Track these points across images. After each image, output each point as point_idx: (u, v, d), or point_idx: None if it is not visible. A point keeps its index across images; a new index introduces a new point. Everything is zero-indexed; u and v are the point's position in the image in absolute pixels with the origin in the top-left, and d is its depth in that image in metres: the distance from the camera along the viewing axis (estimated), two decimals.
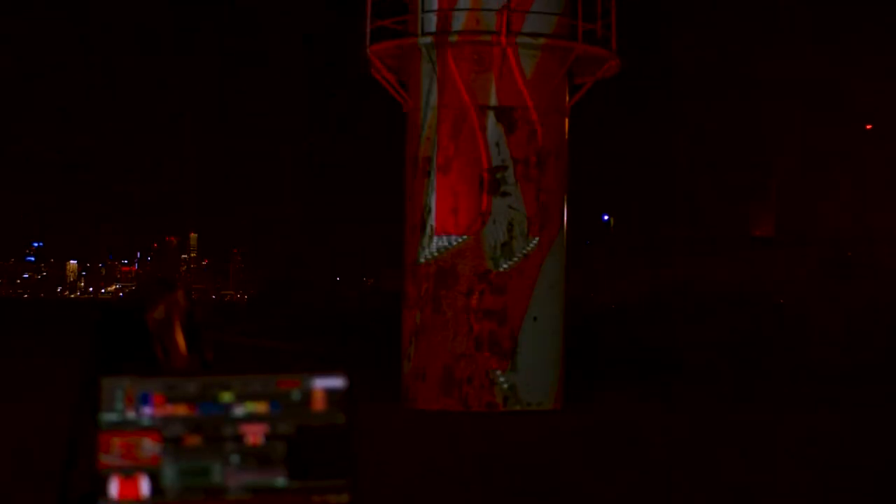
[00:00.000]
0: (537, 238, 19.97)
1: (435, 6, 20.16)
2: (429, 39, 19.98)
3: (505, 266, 19.74)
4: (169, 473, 3.02)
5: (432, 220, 20.00)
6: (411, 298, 20.30)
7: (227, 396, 3.05)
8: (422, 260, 20.09)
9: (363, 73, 21.14)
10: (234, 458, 3.05)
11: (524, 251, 19.85)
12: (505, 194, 19.80)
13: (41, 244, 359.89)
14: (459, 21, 19.99)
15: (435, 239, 19.93)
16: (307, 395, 3.09)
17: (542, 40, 19.95)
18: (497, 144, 19.83)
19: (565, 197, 20.67)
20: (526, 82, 19.92)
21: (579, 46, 20.14)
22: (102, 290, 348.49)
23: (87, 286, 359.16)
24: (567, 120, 20.79)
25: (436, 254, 19.91)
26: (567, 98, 20.80)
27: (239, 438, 3.06)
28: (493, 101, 19.83)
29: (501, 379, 19.65)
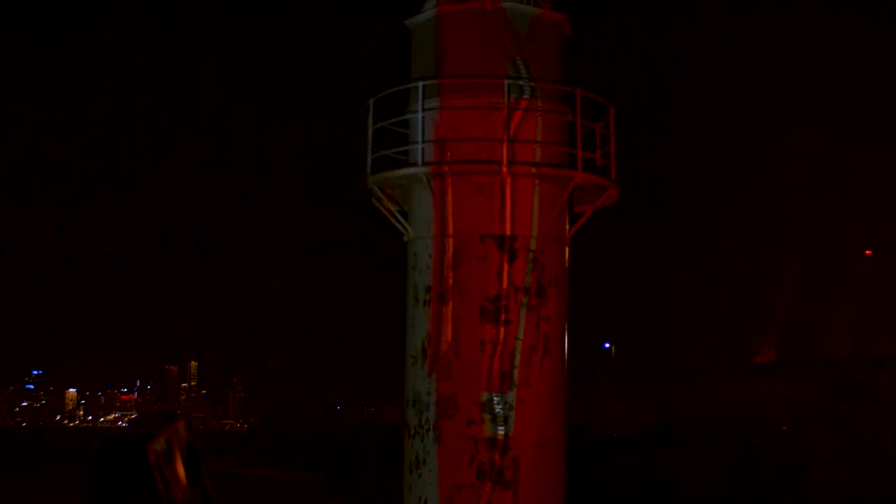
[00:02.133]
0: (539, 367, 19.92)
1: (435, 136, 20.37)
2: (428, 169, 20.15)
3: (506, 395, 19.66)
4: None
5: (433, 350, 19.98)
6: (412, 428, 20.21)
7: None
8: (422, 390, 20.02)
9: (364, 203, 21.30)
10: None
11: (525, 380, 19.79)
12: (506, 323, 19.81)
13: (40, 372, 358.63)
14: (459, 151, 20.18)
15: (436, 369, 19.89)
16: None
17: (542, 170, 20.13)
18: (497, 273, 19.89)
19: (566, 325, 20.68)
20: (526, 211, 20.05)
21: (579, 175, 20.30)
22: (101, 419, 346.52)
23: (86, 414, 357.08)
24: (567, 248, 20.89)
25: (437, 384, 19.85)
26: (567, 226, 20.93)
27: None
28: (493, 230, 19.93)
29: None
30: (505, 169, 19.84)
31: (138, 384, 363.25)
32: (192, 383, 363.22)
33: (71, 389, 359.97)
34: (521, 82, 20.15)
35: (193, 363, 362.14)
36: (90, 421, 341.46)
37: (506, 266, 19.89)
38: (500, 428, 19.56)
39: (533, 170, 20.05)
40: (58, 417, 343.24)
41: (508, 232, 19.93)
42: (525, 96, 20.17)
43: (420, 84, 20.37)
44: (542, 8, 20.68)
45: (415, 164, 20.35)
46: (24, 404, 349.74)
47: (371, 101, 20.93)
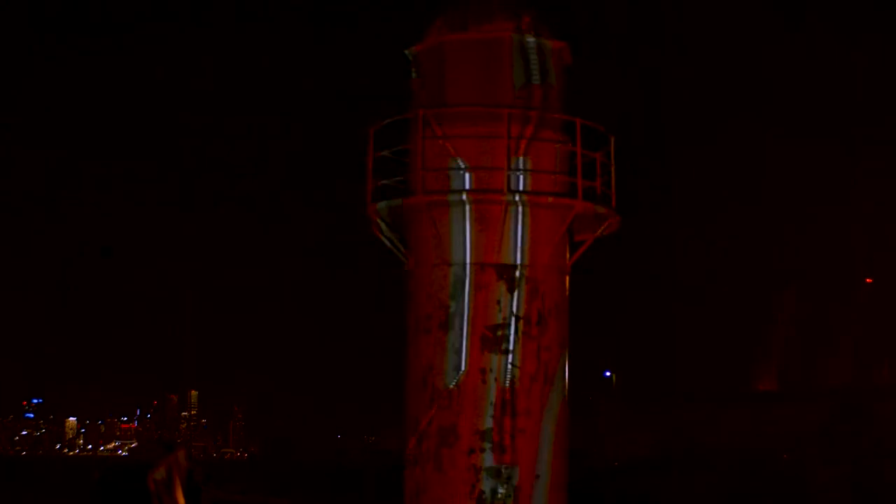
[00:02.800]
0: (540, 396, 19.90)
1: (435, 164, 20.39)
2: (429, 198, 20.16)
3: (506, 424, 19.63)
4: None
5: (433, 379, 19.96)
6: (412, 457, 20.18)
7: None
8: (423, 419, 19.99)
9: (365, 232, 21.32)
10: None
11: (526, 409, 19.77)
12: (506, 352, 19.80)
13: (40, 400, 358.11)
14: (459, 179, 20.21)
15: (436, 397, 19.86)
16: None
17: (542, 199, 20.15)
18: (498, 302, 19.90)
19: (567, 354, 20.67)
20: (527, 240, 20.07)
21: (579, 204, 20.31)
22: (101, 448, 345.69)
23: (86, 443, 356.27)
24: (567, 277, 20.89)
25: (437, 413, 19.83)
26: (567, 255, 20.94)
27: None
28: (494, 259, 19.95)
29: None
30: (505, 197, 19.87)
31: (138, 413, 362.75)
32: (193, 412, 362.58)
33: (71, 418, 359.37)
34: (521, 112, 20.20)
35: (194, 392, 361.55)
36: (90, 450, 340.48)
37: (506, 295, 19.90)
38: (500, 456, 19.49)
39: (532, 199, 20.06)
40: (58, 446, 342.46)
41: (509, 261, 19.95)
42: (526, 126, 20.22)
43: (420, 113, 20.43)
44: (542, 37, 20.74)
45: (415, 193, 20.38)
46: (24, 433, 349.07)
47: (371, 131, 20.97)
